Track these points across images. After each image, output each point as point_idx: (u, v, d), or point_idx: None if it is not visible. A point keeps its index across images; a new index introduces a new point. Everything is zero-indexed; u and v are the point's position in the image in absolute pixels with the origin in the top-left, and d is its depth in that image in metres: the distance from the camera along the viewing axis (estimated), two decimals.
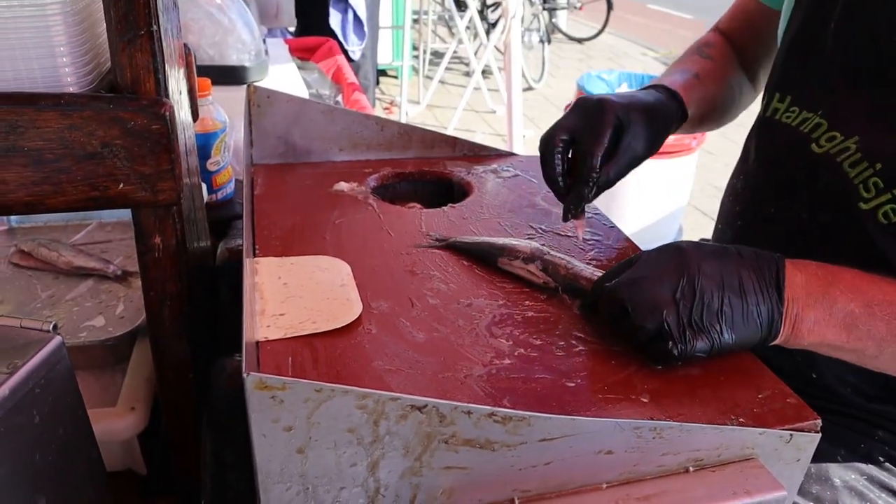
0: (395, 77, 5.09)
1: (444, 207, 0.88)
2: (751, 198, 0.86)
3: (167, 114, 0.53)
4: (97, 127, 0.52)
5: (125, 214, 1.09)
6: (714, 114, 0.95)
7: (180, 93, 0.65)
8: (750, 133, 0.89)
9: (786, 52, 0.83)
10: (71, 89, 0.54)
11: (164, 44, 0.55)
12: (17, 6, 0.52)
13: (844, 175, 0.72)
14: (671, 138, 2.86)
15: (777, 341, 0.60)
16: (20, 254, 0.96)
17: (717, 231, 0.94)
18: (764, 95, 0.86)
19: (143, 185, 0.55)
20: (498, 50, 4.44)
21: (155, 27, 0.53)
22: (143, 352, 0.75)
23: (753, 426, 0.55)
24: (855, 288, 0.59)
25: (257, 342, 0.57)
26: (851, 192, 0.71)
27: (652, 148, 0.79)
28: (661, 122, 0.81)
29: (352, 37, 3.33)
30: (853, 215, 0.71)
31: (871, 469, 0.75)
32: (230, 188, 1.19)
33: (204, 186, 1.05)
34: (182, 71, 0.69)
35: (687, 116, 0.85)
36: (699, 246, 0.62)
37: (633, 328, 0.58)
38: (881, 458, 0.76)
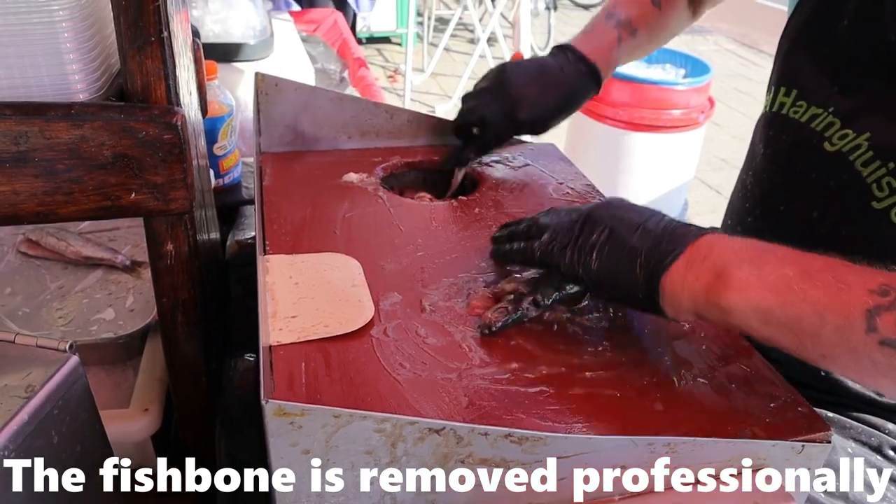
0: (400, 44, 5.01)
1: (453, 201, 0.87)
2: (760, 195, 0.85)
3: (179, 123, 0.52)
4: (108, 137, 0.51)
5: None
6: (643, 54, 1.05)
7: (190, 94, 0.64)
8: (756, 128, 0.88)
9: (792, 44, 0.81)
10: (81, 96, 0.53)
11: (174, 49, 0.54)
12: (25, 12, 0.51)
13: (857, 174, 0.71)
14: (677, 112, 2.78)
15: (688, 298, 0.55)
16: (28, 242, 0.96)
17: (726, 227, 0.92)
18: (768, 89, 0.84)
19: (155, 194, 0.54)
20: (504, 17, 4.36)
21: (165, 34, 0.52)
22: (155, 349, 0.75)
23: (766, 438, 0.55)
24: (792, 257, 0.53)
25: (270, 346, 0.57)
26: (864, 190, 0.71)
27: (549, 116, 0.93)
28: (560, 92, 0.92)
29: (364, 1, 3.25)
30: (866, 214, 0.71)
31: (880, 461, 0.76)
32: (237, 172, 1.18)
33: (211, 172, 1.04)
34: (192, 68, 0.68)
35: (601, 82, 0.94)
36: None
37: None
38: (891, 452, 0.76)
